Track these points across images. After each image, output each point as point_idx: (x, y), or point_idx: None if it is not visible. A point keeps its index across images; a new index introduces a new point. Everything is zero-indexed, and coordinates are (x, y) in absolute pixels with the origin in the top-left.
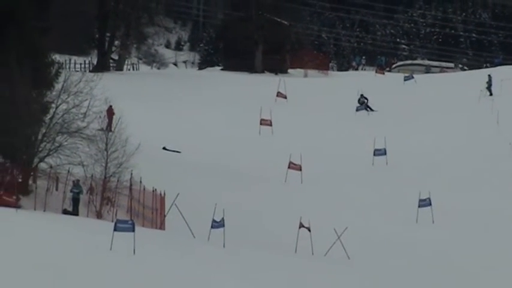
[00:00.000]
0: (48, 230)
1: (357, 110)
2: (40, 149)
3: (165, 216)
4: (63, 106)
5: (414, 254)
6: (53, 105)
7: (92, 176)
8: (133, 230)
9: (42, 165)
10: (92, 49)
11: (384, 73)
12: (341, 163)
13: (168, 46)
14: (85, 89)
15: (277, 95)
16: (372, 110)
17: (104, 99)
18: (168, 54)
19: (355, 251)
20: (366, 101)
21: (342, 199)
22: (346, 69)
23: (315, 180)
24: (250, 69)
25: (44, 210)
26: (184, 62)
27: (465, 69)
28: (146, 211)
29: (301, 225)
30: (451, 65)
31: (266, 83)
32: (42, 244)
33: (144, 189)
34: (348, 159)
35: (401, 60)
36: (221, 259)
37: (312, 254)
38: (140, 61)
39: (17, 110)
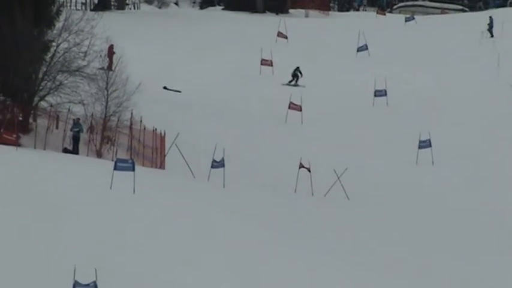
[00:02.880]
0: (48, 169)
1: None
2: (41, 87)
3: (165, 155)
4: (64, 45)
5: (413, 195)
6: (54, 43)
7: (92, 114)
8: (133, 170)
9: (43, 103)
10: None
11: (385, 14)
12: (341, 104)
13: None
14: (86, 27)
15: (278, 35)
16: (297, 84)
17: (105, 38)
18: None
19: (354, 192)
20: (299, 75)
21: (342, 140)
22: (347, 10)
23: (315, 121)
24: (252, 9)
25: (44, 149)
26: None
27: (466, 11)
28: (146, 150)
29: (301, 166)
30: (458, 7)
31: (267, 23)
32: (42, 182)
33: (144, 128)
34: (348, 100)
35: (403, 1)
36: (221, 199)
37: (312, 194)
38: (141, 0)
39: (17, 48)
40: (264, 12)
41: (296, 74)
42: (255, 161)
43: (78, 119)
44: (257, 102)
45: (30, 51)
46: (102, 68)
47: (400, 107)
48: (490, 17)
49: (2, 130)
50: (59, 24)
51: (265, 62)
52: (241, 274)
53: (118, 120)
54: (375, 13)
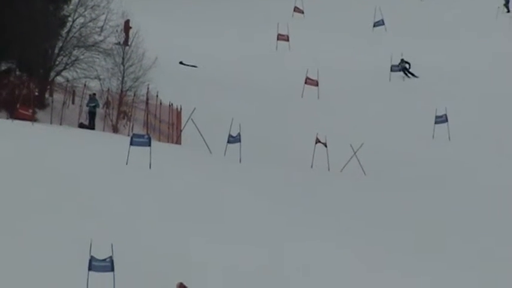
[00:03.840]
0: (64, 144)
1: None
2: (57, 62)
3: (181, 130)
4: (80, 20)
5: (430, 170)
6: (70, 19)
7: (109, 89)
8: (149, 145)
9: (59, 78)
10: None
11: None
12: (358, 79)
13: None
14: (102, 2)
15: (294, 10)
16: (413, 75)
17: (121, 13)
18: None
19: (371, 167)
20: (407, 66)
21: (358, 115)
22: None
23: (331, 96)
24: None
25: (60, 124)
26: None
27: None
28: (162, 125)
29: (318, 141)
30: None
31: None
32: (58, 157)
33: (160, 103)
34: (365, 75)
35: None
36: (237, 174)
37: (328, 169)
38: None
39: (34, 23)
40: None
41: (404, 67)
42: (271, 136)
43: (94, 94)
44: (273, 77)
45: (46, 26)
46: (119, 43)
47: (416, 82)
48: None
49: (18, 105)
50: (74, 0)
51: (281, 37)
52: (255, 248)
53: (134, 95)
54: None
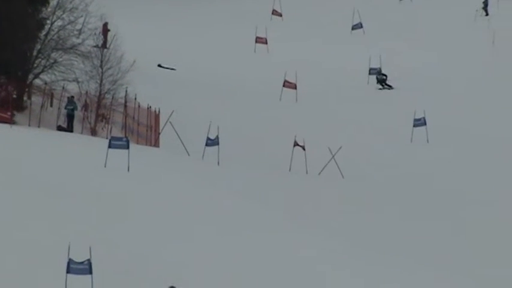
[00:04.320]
0: (42, 146)
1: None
2: (35, 65)
3: (159, 133)
4: (59, 22)
5: (409, 173)
6: (48, 21)
7: (87, 92)
8: (127, 147)
9: (37, 81)
10: None
11: None
12: (336, 82)
13: None
14: (80, 5)
15: (272, 13)
16: (390, 87)
17: (100, 15)
18: None
19: (349, 170)
20: (384, 78)
21: (336, 118)
22: None
23: (309, 99)
24: None
25: (39, 126)
26: None
27: None
28: (141, 128)
29: (296, 144)
30: None
31: (261, 0)
32: (36, 160)
33: (139, 106)
34: (343, 78)
35: None
36: (215, 176)
37: (306, 172)
38: None
39: (12, 25)
40: None
41: (382, 79)
42: (249, 139)
43: (73, 96)
44: (252, 80)
45: (24, 28)
46: (97, 46)
47: (394, 84)
48: None
49: None
50: (53, 2)
51: (259, 40)
52: (233, 251)
53: (112, 98)
54: None
